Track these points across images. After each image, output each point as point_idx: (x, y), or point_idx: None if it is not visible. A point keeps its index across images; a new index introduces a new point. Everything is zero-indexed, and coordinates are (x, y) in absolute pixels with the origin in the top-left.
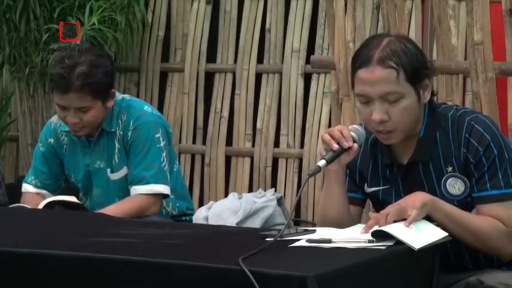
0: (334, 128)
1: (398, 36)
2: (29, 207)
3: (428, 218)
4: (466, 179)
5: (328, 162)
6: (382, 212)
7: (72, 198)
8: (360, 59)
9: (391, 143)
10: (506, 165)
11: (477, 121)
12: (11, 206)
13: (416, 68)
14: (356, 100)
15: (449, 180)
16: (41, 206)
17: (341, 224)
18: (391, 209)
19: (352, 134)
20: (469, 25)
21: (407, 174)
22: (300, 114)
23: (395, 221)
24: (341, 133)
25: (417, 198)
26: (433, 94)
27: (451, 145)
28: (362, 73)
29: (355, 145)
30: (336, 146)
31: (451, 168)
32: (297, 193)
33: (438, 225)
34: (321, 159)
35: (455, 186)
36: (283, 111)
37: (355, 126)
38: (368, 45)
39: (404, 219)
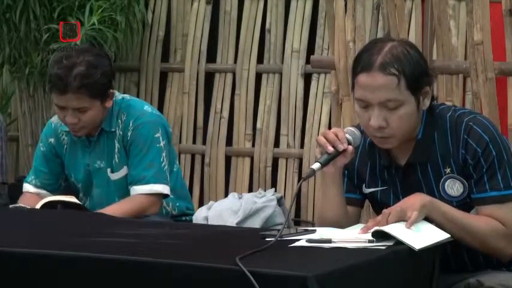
0: (329, 131)
1: (401, 41)
2: (28, 207)
3: (428, 219)
4: (464, 180)
5: (323, 165)
6: (383, 211)
7: (72, 198)
8: (362, 63)
9: (388, 147)
10: (505, 166)
11: (475, 122)
12: (10, 206)
13: (417, 76)
14: (355, 103)
15: (448, 181)
16: (38, 205)
17: (339, 225)
18: (391, 211)
19: (348, 136)
20: (469, 25)
21: (406, 175)
22: (300, 114)
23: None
24: (336, 136)
25: (416, 200)
26: (432, 99)
27: (449, 146)
28: (363, 78)
29: (350, 147)
30: (330, 149)
31: (449, 169)
32: (295, 194)
33: (438, 226)
34: (315, 162)
35: (453, 187)
36: (283, 111)
37: (351, 128)
38: (370, 49)
39: (404, 221)
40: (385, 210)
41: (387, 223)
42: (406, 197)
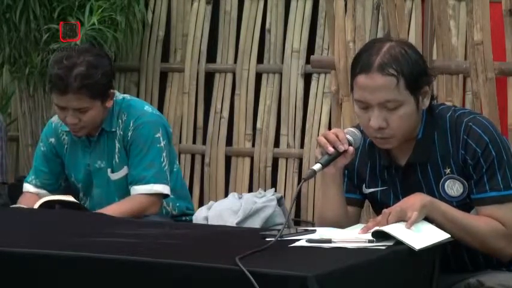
0: (330, 131)
1: (399, 42)
2: (25, 207)
3: (428, 219)
4: (464, 180)
5: (324, 166)
6: (383, 211)
7: (69, 198)
8: (360, 64)
9: (388, 147)
10: (505, 166)
11: (475, 122)
12: (11, 206)
13: (416, 75)
14: (354, 105)
15: (448, 182)
16: (36, 205)
17: (339, 225)
18: (391, 211)
19: (348, 137)
20: (469, 25)
21: (406, 176)
22: (300, 114)
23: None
24: (336, 136)
25: (416, 200)
26: (432, 98)
27: (449, 147)
28: (361, 79)
29: (351, 148)
30: (331, 150)
31: (449, 169)
32: (296, 192)
33: (438, 226)
34: (316, 162)
35: (453, 187)
36: (283, 111)
37: (351, 129)
38: (368, 49)
39: (404, 221)
40: (385, 210)
41: (387, 223)
42: (406, 197)
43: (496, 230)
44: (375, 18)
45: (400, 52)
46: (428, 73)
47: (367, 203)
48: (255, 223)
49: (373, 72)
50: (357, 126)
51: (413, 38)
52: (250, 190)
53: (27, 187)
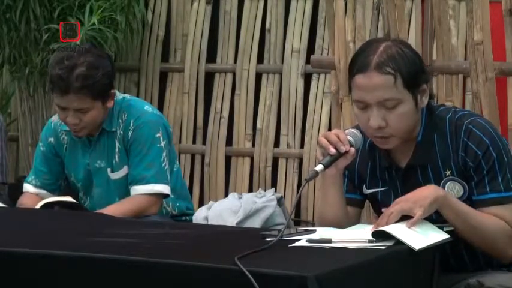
0: (331, 132)
1: (395, 41)
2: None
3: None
4: (464, 182)
5: (326, 166)
6: (395, 201)
7: (68, 198)
8: (357, 65)
9: (388, 147)
10: (505, 168)
11: (475, 125)
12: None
13: (413, 73)
14: (353, 105)
15: (448, 183)
16: (37, 207)
17: (339, 226)
18: (397, 207)
19: (349, 138)
20: (469, 25)
21: (406, 177)
22: (300, 114)
23: (402, 216)
24: (338, 137)
25: (429, 194)
26: (431, 97)
27: (450, 149)
28: (359, 79)
29: (352, 149)
30: (333, 151)
31: (449, 172)
32: (297, 193)
33: (442, 224)
34: (318, 163)
35: (453, 189)
36: (283, 111)
37: (352, 130)
38: (365, 50)
39: (409, 216)
40: (385, 212)
41: (388, 223)
42: (420, 188)
43: (505, 230)
44: (375, 18)
45: (396, 51)
46: (425, 71)
47: (367, 203)
48: (255, 223)
49: (370, 71)
50: (357, 127)
51: (413, 38)
52: (250, 190)
53: (27, 187)
